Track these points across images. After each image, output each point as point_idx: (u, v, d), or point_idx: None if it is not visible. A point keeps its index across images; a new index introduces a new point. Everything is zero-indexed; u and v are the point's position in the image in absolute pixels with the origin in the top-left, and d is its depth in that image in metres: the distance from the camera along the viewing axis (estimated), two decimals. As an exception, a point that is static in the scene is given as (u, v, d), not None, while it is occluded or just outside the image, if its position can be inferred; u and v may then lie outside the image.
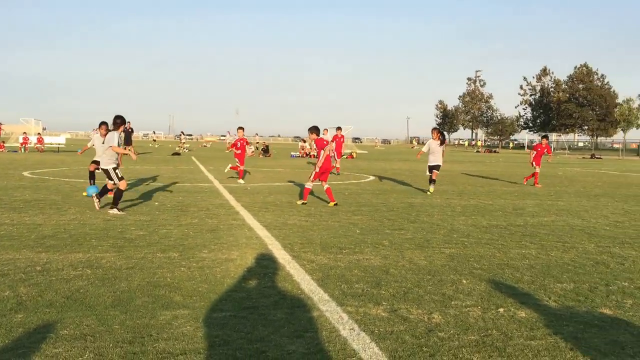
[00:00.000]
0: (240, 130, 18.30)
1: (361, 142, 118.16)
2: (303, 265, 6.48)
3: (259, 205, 11.82)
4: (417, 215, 10.86)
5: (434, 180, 15.71)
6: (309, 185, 12.29)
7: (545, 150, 20.20)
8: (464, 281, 5.92)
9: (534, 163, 19.66)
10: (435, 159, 15.68)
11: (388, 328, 4.44)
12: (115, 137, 10.48)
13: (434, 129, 16.37)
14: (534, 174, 19.57)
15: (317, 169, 12.09)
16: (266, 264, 6.50)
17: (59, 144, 43.50)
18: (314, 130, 12.28)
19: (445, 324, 4.55)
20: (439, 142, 15.76)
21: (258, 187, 15.92)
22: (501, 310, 4.95)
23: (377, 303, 5.10)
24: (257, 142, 46.71)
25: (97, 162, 12.09)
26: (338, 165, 21.61)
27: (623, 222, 10.49)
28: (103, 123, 12.73)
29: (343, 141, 21.95)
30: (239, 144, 18.12)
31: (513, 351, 4.00)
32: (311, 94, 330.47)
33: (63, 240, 7.56)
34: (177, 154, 41.25)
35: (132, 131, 39.16)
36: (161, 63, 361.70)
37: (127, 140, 37.97)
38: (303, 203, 12.08)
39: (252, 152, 42.20)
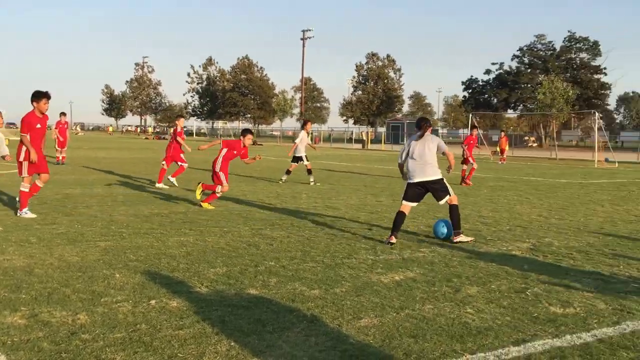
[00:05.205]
0: None
1: (17, 127, 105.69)
2: None
3: None
4: (73, 207, 10.08)
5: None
6: None
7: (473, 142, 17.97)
8: (117, 275, 5.67)
9: (469, 159, 17.29)
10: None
11: (24, 337, 3.96)
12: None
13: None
14: (471, 170, 17.14)
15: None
16: None
17: None
18: None
19: (91, 324, 4.25)
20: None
21: None
22: (153, 302, 4.86)
23: (14, 309, 4.52)
24: None
25: None
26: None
27: (275, 205, 11.49)
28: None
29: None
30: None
31: (160, 344, 3.94)
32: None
33: None
34: None
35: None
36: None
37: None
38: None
39: None
